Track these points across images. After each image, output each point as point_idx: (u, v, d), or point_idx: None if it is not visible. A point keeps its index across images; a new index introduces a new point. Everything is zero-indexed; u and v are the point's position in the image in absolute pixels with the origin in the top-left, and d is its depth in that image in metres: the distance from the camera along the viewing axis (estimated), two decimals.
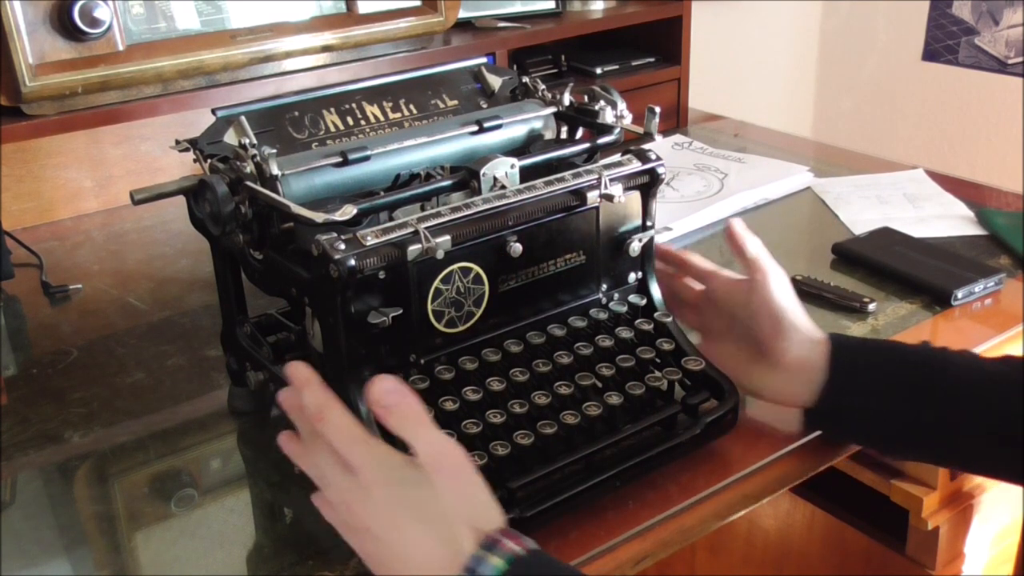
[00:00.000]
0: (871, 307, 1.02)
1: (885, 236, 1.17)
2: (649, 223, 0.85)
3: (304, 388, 0.64)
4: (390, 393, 0.62)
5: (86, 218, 1.35)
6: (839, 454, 0.86)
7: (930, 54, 2.20)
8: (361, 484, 0.61)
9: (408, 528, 0.60)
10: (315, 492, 0.65)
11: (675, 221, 1.23)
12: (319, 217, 0.69)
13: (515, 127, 0.88)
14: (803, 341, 0.79)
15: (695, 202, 1.30)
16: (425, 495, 0.60)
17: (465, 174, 0.77)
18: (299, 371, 0.65)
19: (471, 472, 0.62)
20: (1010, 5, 2.04)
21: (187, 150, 0.81)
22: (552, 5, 1.59)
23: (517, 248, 0.75)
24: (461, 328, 0.76)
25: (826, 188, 1.36)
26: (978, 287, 1.04)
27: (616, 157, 0.82)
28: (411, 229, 0.70)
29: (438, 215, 0.72)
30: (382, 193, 0.78)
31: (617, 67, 1.63)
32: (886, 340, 0.82)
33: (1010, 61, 2.06)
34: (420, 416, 0.62)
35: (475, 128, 0.85)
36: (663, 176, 0.83)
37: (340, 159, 0.77)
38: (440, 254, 0.70)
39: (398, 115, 0.87)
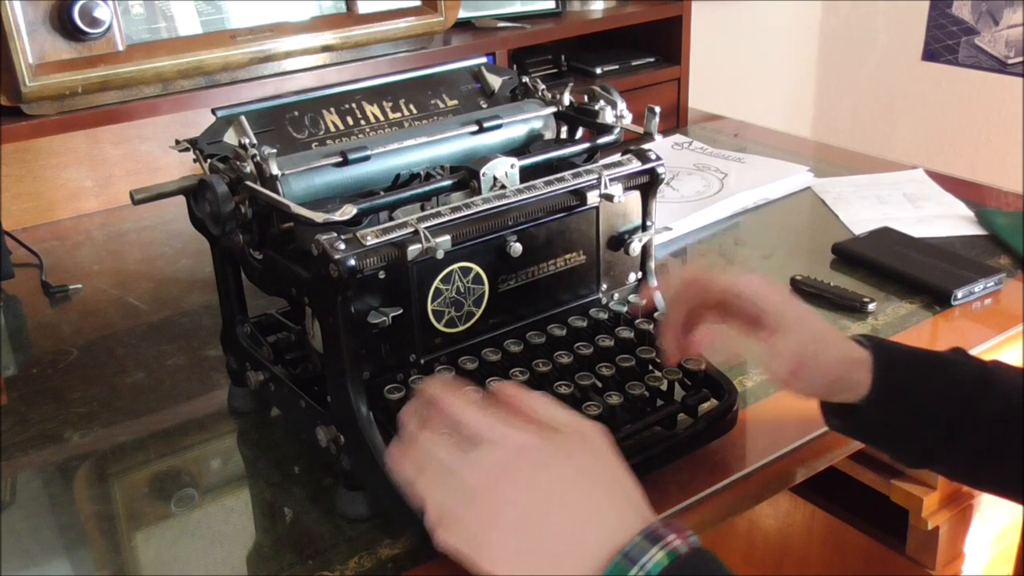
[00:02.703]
0: (871, 307, 1.02)
1: (885, 236, 1.17)
2: (649, 223, 0.85)
3: (433, 380, 0.62)
4: (512, 386, 0.60)
5: (86, 218, 1.35)
6: (839, 454, 0.86)
7: (930, 54, 2.20)
8: (505, 453, 0.55)
9: (567, 501, 0.54)
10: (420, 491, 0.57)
11: (675, 221, 1.23)
12: (319, 217, 0.69)
13: (515, 127, 0.88)
14: (837, 378, 0.72)
15: (695, 202, 1.30)
16: (579, 466, 0.55)
17: (465, 174, 0.77)
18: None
19: (616, 454, 0.57)
20: (1010, 5, 2.04)
21: (187, 150, 0.81)
22: (552, 5, 1.59)
23: (517, 248, 0.75)
24: (461, 328, 0.76)
25: (826, 188, 1.36)
26: (978, 287, 1.04)
27: (616, 157, 0.82)
28: (411, 229, 0.70)
29: (438, 215, 0.72)
30: (382, 193, 0.78)
31: (617, 67, 1.63)
32: (928, 353, 0.74)
33: (1010, 61, 2.06)
34: (552, 400, 0.59)
35: (475, 128, 0.85)
36: (663, 176, 0.83)
37: (340, 159, 0.77)
38: (440, 254, 0.70)
39: (398, 115, 0.87)
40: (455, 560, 0.55)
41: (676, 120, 1.70)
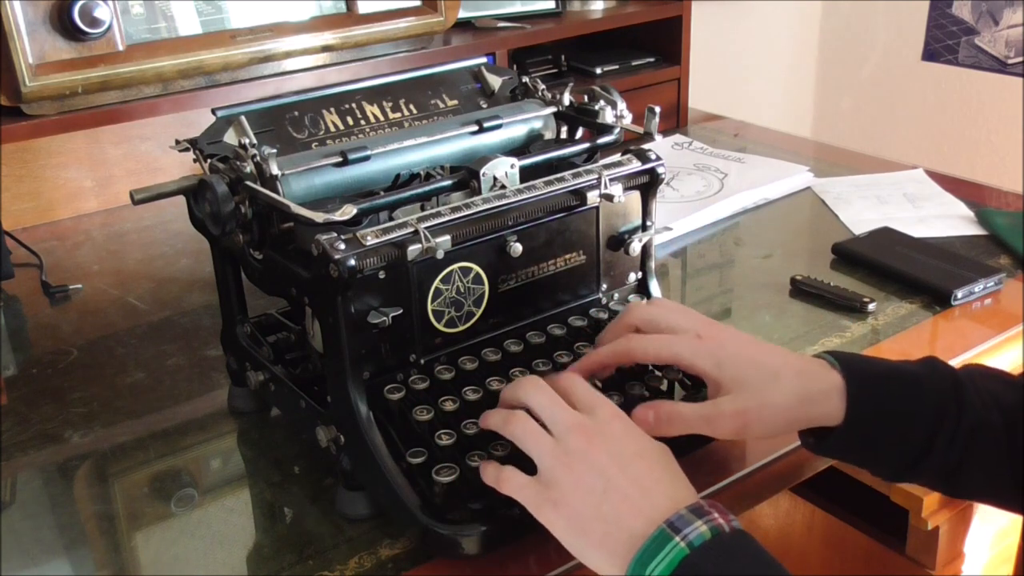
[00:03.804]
0: (871, 307, 1.02)
1: (885, 236, 1.17)
2: (649, 223, 0.85)
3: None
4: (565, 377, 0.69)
5: (86, 218, 1.35)
6: None
7: (930, 54, 2.20)
8: (598, 419, 0.64)
9: (648, 461, 0.62)
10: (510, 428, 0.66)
11: (675, 221, 1.23)
12: (319, 217, 0.69)
13: (515, 127, 0.88)
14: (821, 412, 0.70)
15: (695, 202, 1.30)
16: (662, 451, 0.64)
17: (465, 174, 0.77)
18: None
19: None
20: (1010, 5, 2.04)
21: (187, 150, 0.81)
22: (552, 5, 1.59)
23: (517, 248, 0.75)
24: (461, 328, 0.76)
25: (826, 188, 1.36)
26: (978, 287, 1.04)
27: (616, 157, 0.82)
28: (411, 229, 0.70)
29: (438, 215, 0.72)
30: (382, 193, 0.77)
31: (617, 67, 1.63)
32: (901, 368, 0.73)
33: (1010, 61, 2.06)
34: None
35: (475, 128, 0.85)
36: (663, 176, 0.83)
37: (340, 159, 0.77)
38: (440, 254, 0.70)
39: (398, 115, 0.87)
40: (515, 501, 0.64)
41: (676, 120, 1.70)
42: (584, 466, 0.62)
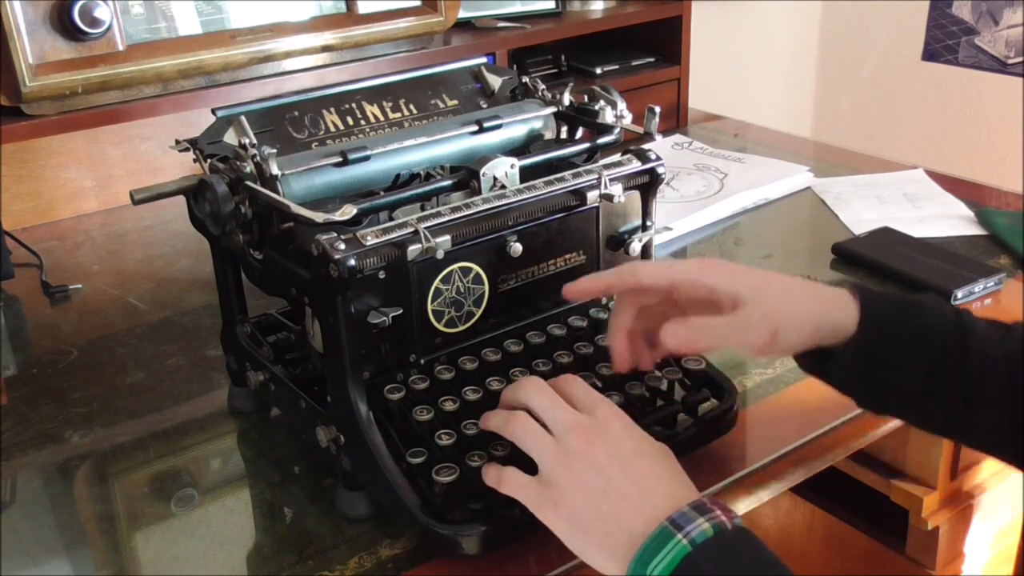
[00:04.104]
0: None
1: (885, 236, 1.17)
2: (649, 223, 0.85)
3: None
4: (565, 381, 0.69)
5: (86, 218, 1.35)
6: (839, 454, 0.86)
7: (930, 54, 2.20)
8: (598, 419, 0.64)
9: (642, 464, 0.62)
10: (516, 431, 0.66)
11: (675, 221, 1.23)
12: (319, 217, 0.69)
13: (515, 127, 0.88)
14: (834, 332, 0.69)
15: (695, 202, 1.30)
16: (663, 449, 0.65)
17: (465, 174, 0.77)
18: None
19: None
20: (1010, 5, 2.04)
21: (187, 150, 0.81)
22: (552, 5, 1.59)
23: (517, 248, 0.75)
24: (461, 328, 0.76)
25: (826, 188, 1.36)
26: (978, 287, 1.04)
27: (616, 157, 0.82)
28: (411, 229, 0.70)
29: (438, 215, 0.72)
30: (382, 193, 0.77)
31: (617, 67, 1.63)
32: (908, 299, 0.71)
33: (1010, 61, 2.06)
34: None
35: (475, 128, 0.85)
36: (663, 176, 0.83)
37: (340, 159, 0.77)
38: (440, 254, 0.70)
39: (398, 115, 0.87)
40: (515, 501, 0.64)
41: (676, 120, 1.70)
42: (584, 466, 0.62)
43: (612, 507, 0.61)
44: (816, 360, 0.71)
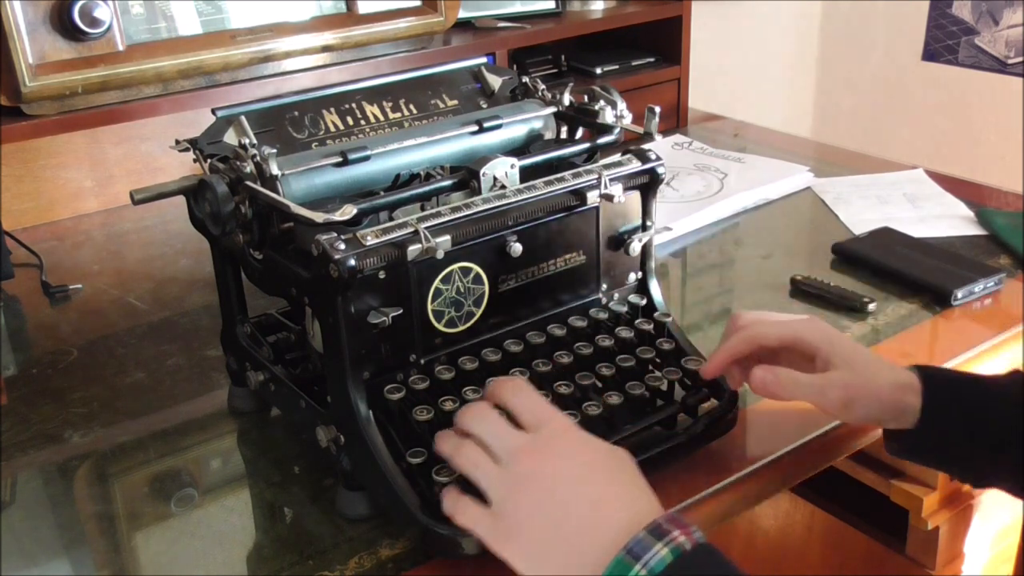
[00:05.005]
0: (871, 307, 1.02)
1: (885, 236, 1.17)
2: (649, 223, 0.85)
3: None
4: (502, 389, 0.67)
5: (86, 218, 1.35)
6: (839, 454, 0.86)
7: (930, 54, 2.20)
8: (544, 436, 0.62)
9: (597, 477, 0.60)
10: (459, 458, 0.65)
11: (675, 221, 1.23)
12: (319, 217, 0.69)
13: (515, 127, 0.88)
14: (901, 414, 0.75)
15: (695, 202, 1.30)
16: (617, 458, 0.62)
17: (465, 174, 0.77)
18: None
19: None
20: (1010, 5, 2.04)
21: (187, 150, 0.81)
22: (552, 5, 1.59)
23: (517, 248, 0.75)
24: (461, 328, 0.76)
25: (826, 188, 1.36)
26: (978, 287, 1.04)
27: (616, 157, 0.82)
28: (411, 229, 0.70)
29: (438, 215, 0.72)
30: (382, 193, 0.77)
31: (617, 67, 1.63)
32: (976, 377, 0.79)
33: (1010, 61, 2.06)
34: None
35: (475, 128, 0.85)
36: (663, 176, 0.83)
37: (340, 159, 0.77)
38: (440, 254, 0.70)
39: (398, 115, 0.87)
40: (476, 537, 0.62)
41: (676, 120, 1.70)
42: (534, 491, 0.60)
43: (566, 535, 0.58)
44: (897, 441, 0.77)
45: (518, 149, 0.88)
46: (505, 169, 0.77)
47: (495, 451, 0.63)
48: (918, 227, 1.21)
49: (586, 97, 0.90)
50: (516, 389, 0.66)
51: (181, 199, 0.80)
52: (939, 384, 0.75)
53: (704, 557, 0.56)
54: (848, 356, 0.75)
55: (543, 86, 0.92)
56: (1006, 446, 0.72)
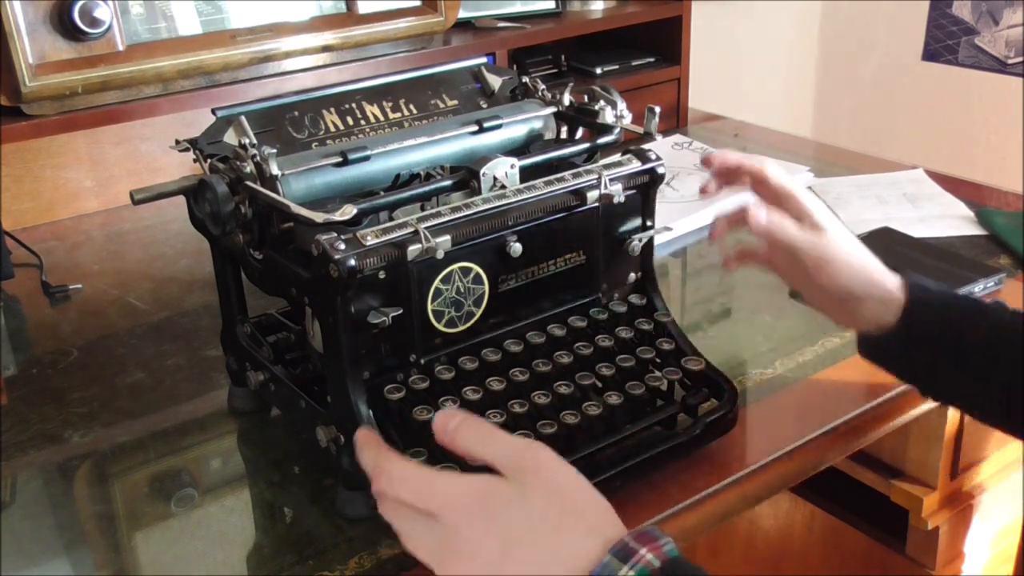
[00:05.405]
0: None
1: (885, 236, 1.17)
2: (649, 223, 0.85)
3: (361, 448, 0.59)
4: (451, 416, 0.57)
5: (86, 218, 1.35)
6: (839, 454, 0.86)
7: (930, 54, 2.20)
8: (447, 527, 0.53)
9: (517, 554, 0.52)
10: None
11: (675, 221, 1.23)
12: (319, 217, 0.69)
13: (515, 127, 0.88)
14: (875, 305, 0.78)
15: (695, 202, 1.30)
16: (524, 508, 0.53)
17: (465, 174, 0.77)
18: (360, 434, 0.60)
19: (571, 470, 0.55)
20: (1010, 5, 2.04)
21: (187, 150, 0.81)
22: (552, 5, 1.59)
23: (517, 248, 0.75)
24: (461, 328, 0.76)
25: (826, 188, 1.36)
26: (978, 287, 1.04)
27: (616, 157, 0.82)
28: (411, 229, 0.70)
29: (438, 215, 0.72)
30: (382, 193, 0.78)
31: (617, 67, 1.63)
32: (962, 298, 0.81)
33: (1010, 61, 2.06)
34: (490, 428, 0.56)
35: (475, 128, 0.85)
36: (663, 176, 0.83)
37: (340, 159, 0.77)
38: (440, 254, 0.70)
39: (398, 115, 0.87)
40: None
41: (676, 120, 1.70)
42: (478, 564, 0.52)
43: None
44: (870, 343, 0.80)
45: (518, 149, 0.88)
46: (505, 169, 0.77)
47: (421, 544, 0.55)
48: (918, 227, 1.21)
49: (586, 97, 0.90)
50: (391, 480, 0.56)
51: (181, 199, 0.80)
52: (922, 296, 0.77)
53: (674, 573, 0.52)
54: (836, 227, 0.79)
55: (543, 86, 0.92)
56: (979, 368, 0.74)
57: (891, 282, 0.79)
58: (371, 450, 0.59)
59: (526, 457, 0.54)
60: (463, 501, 0.53)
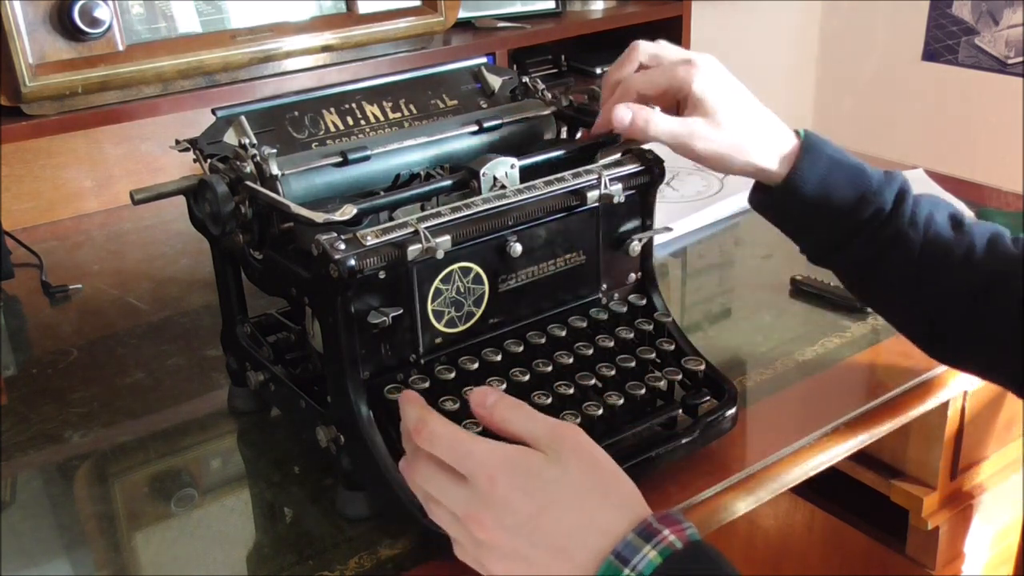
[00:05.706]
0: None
1: None
2: (649, 223, 0.85)
3: (404, 405, 0.61)
4: (489, 392, 0.59)
5: (86, 218, 1.35)
6: (839, 454, 0.86)
7: (930, 54, 2.20)
8: (481, 489, 0.55)
9: (550, 517, 0.54)
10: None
11: (675, 221, 1.23)
12: (319, 217, 0.69)
13: (515, 127, 0.88)
14: (766, 159, 0.80)
15: (695, 202, 1.30)
16: (560, 476, 0.55)
17: (465, 174, 0.77)
18: (405, 393, 0.63)
19: (603, 451, 0.57)
20: (1010, 5, 2.04)
21: (187, 150, 0.81)
22: (552, 5, 1.59)
23: (517, 248, 0.75)
24: (461, 328, 0.76)
25: None
26: None
27: (616, 157, 0.82)
28: (411, 229, 0.70)
29: (438, 215, 0.72)
30: (382, 193, 0.77)
31: None
32: (852, 160, 0.81)
33: (1010, 61, 2.06)
34: (527, 406, 0.59)
35: (475, 128, 0.85)
36: (663, 176, 0.83)
37: (340, 159, 0.77)
38: (440, 254, 0.70)
39: (398, 115, 0.87)
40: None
41: None
42: (499, 555, 0.55)
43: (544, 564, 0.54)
44: (762, 193, 0.83)
45: (518, 149, 0.88)
46: (505, 169, 0.77)
47: (449, 509, 0.58)
48: None
49: (586, 97, 0.90)
50: (443, 440, 0.58)
51: (181, 199, 0.80)
52: (814, 155, 0.78)
53: (695, 556, 0.53)
54: (727, 106, 0.79)
55: (543, 86, 0.92)
56: (855, 233, 0.78)
57: (786, 145, 0.79)
58: (414, 408, 0.61)
59: (563, 434, 0.57)
60: (502, 464, 0.55)
